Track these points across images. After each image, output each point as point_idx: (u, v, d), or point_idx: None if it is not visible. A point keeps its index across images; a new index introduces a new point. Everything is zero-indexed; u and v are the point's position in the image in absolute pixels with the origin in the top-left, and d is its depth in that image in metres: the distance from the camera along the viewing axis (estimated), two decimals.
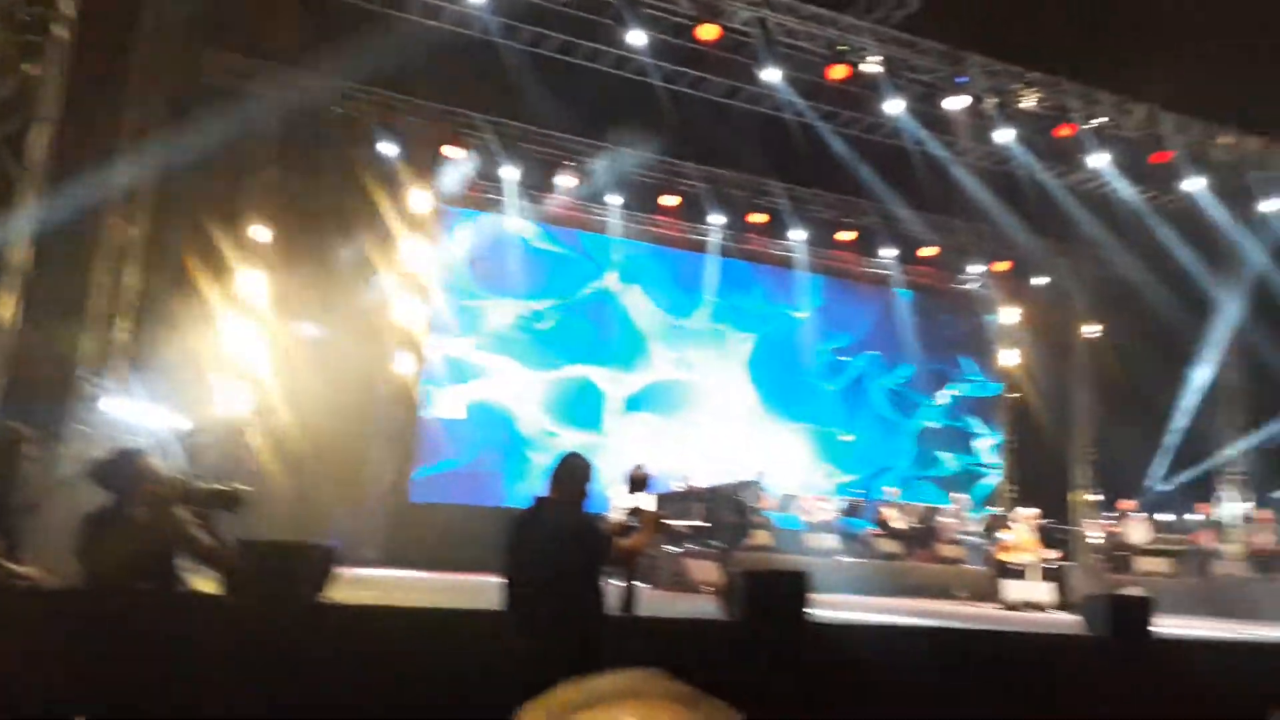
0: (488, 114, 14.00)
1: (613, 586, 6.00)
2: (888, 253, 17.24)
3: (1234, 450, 16.66)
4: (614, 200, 15.41)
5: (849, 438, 17.28)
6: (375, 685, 4.82)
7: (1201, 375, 16.53)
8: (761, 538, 11.59)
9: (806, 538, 12.45)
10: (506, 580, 4.51)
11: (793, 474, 15.87)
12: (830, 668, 5.78)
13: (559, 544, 4.44)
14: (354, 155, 13.27)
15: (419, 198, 13.90)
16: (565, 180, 14.98)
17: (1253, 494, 16.25)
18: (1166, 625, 7.17)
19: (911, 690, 5.67)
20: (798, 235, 16.58)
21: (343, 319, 12.69)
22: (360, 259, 13.37)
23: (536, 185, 15.06)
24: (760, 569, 6.94)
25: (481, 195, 14.91)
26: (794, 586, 5.91)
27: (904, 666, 5.86)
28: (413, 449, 14.52)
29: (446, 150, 14.00)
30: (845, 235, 16.95)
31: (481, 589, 4.70)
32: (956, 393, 18.38)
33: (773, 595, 5.88)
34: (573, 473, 4.65)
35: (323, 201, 12.62)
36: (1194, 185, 15.32)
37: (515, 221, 15.27)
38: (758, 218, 16.35)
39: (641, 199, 15.68)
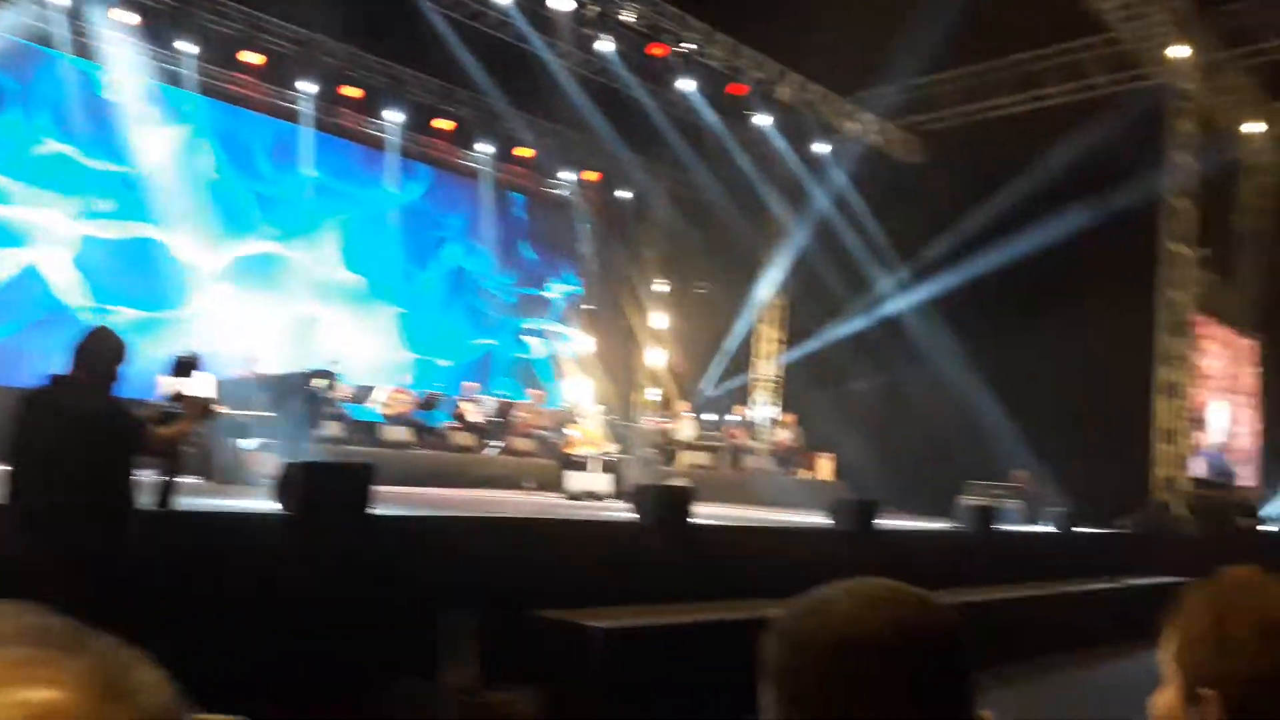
0: None
1: (149, 479, 5.41)
2: (484, 147, 17.11)
3: (772, 360, 18.91)
4: (188, 49, 13.64)
5: (439, 328, 17.15)
6: None
7: (762, 294, 18.49)
8: (333, 429, 11.17)
9: (382, 430, 12.22)
10: (10, 469, 3.86)
11: (378, 363, 15.47)
12: (392, 559, 5.71)
13: (77, 430, 3.85)
14: None
15: None
16: (129, 16, 12.95)
17: (781, 399, 18.63)
18: (704, 511, 7.99)
19: (467, 576, 5.78)
20: (394, 116, 15.88)
21: None
22: None
23: (98, 21, 12.86)
24: (321, 461, 6.66)
25: (30, 25, 12.38)
26: (356, 480, 5.73)
27: (462, 555, 5.95)
28: None
29: None
30: (443, 123, 16.54)
31: None
32: (546, 293, 18.93)
33: (333, 489, 5.66)
34: (99, 350, 4.02)
35: None
36: (763, 120, 16.83)
37: (72, 59, 12.97)
38: (352, 91, 15.39)
39: (220, 52, 14.05)
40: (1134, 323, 14.51)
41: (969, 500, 11.83)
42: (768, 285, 18.46)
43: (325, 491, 5.50)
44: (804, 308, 18.19)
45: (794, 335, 18.70)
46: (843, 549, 7.90)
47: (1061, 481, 13.26)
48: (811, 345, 17.68)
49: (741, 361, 18.90)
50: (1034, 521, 12.32)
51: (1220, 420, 16.29)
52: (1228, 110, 15.44)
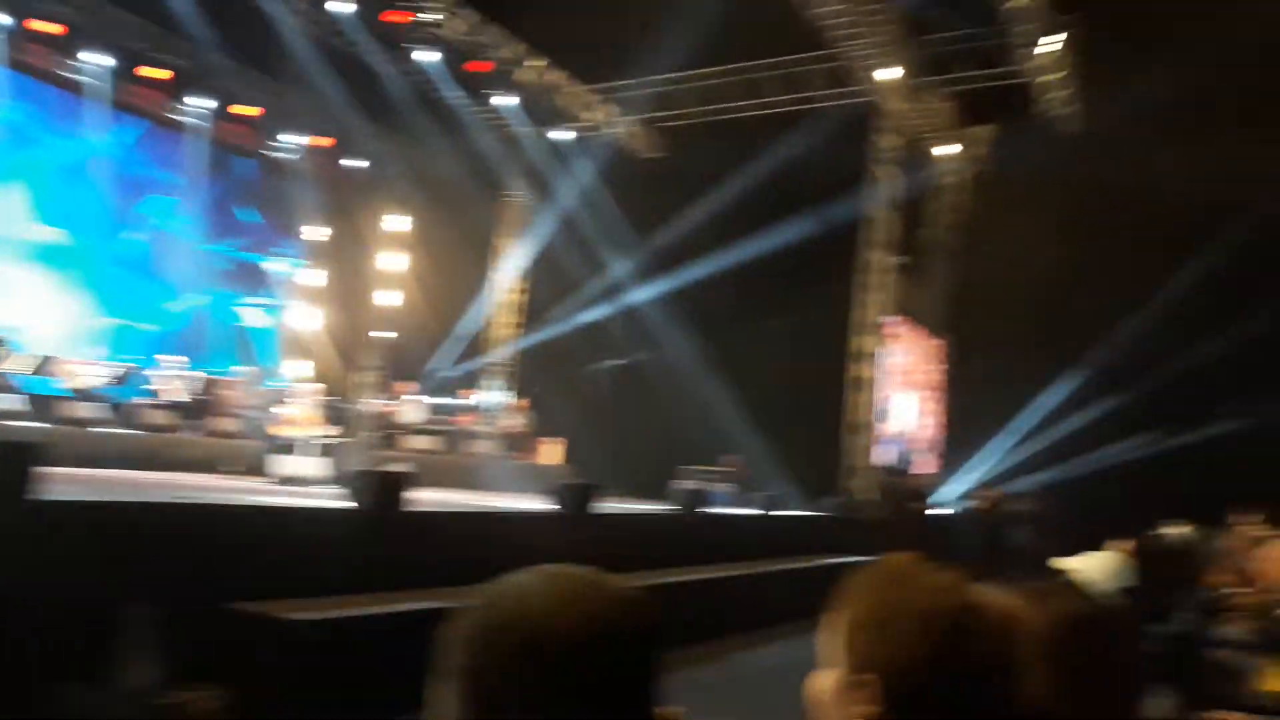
0: None
1: None
2: (203, 102, 15.85)
3: (506, 347, 18.88)
4: None
5: (143, 293, 15.70)
6: None
7: (500, 277, 18.35)
8: (4, 404, 9.96)
9: (65, 406, 11.02)
10: None
11: (70, 329, 13.97)
12: (61, 549, 5.17)
13: None
14: None
15: None
16: None
17: (516, 385, 18.63)
18: (425, 497, 7.82)
19: (154, 568, 5.34)
20: (98, 59, 14.35)
21: None
22: None
23: None
24: None
25: None
26: (16, 459, 5.13)
27: (147, 545, 5.49)
28: None
29: None
30: (156, 72, 15.16)
31: None
32: (267, 262, 17.81)
33: None
34: None
35: None
36: (507, 101, 16.72)
37: None
38: (48, 27, 13.77)
39: None
40: (839, 321, 15.74)
41: (682, 484, 12.33)
42: (506, 269, 18.36)
43: None
44: (542, 293, 18.26)
45: (531, 320, 18.73)
46: (560, 533, 8.00)
47: (771, 466, 14.15)
48: (548, 331, 17.78)
49: (477, 345, 18.70)
50: (743, 504, 13.04)
51: (906, 412, 17.96)
52: (928, 131, 17.00)
